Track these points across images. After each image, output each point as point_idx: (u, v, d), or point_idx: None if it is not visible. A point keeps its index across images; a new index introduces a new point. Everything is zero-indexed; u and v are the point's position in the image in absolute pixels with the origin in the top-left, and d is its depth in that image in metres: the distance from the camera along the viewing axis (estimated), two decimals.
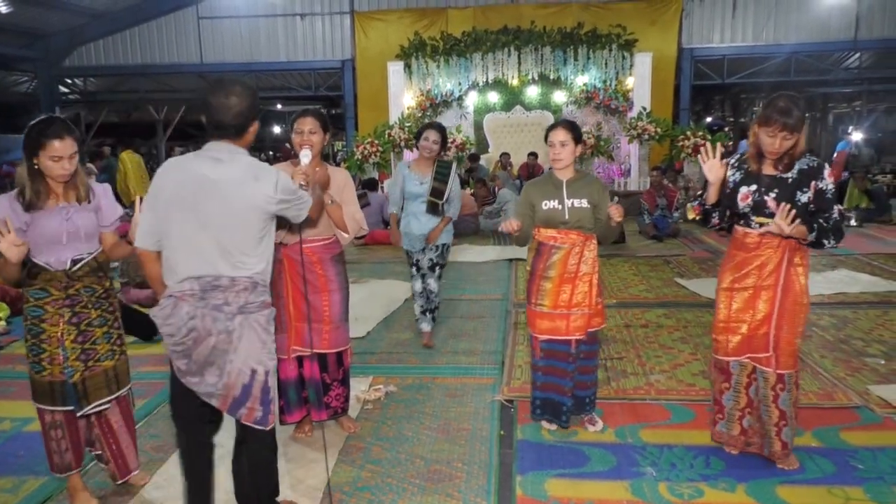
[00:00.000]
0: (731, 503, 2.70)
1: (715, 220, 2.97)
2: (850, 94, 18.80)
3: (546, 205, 3.21)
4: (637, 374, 4.11)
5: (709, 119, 21.82)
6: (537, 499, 2.76)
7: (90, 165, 12.13)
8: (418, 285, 4.73)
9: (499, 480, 2.93)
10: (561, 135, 3.20)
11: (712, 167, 2.84)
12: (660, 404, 3.65)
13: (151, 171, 13.25)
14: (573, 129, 3.24)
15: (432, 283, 4.73)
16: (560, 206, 3.19)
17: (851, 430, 3.28)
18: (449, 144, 12.34)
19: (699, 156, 2.92)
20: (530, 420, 3.46)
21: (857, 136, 17.99)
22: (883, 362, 4.18)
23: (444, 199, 4.52)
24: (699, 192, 3.08)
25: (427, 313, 4.76)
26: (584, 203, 3.20)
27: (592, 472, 2.96)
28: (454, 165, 4.64)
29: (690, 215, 3.07)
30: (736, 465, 2.98)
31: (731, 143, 16.19)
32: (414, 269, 4.74)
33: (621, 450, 3.15)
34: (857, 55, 14.64)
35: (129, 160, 12.34)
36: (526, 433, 3.35)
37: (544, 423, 3.39)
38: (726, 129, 18.56)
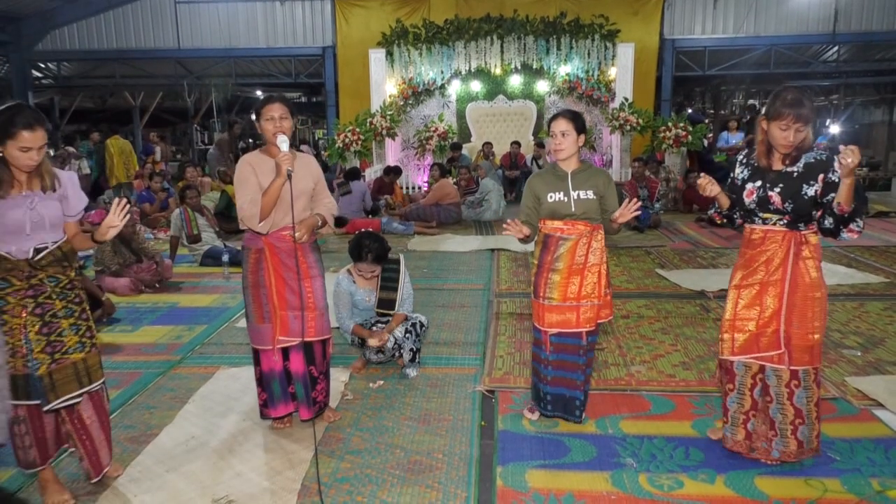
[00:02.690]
0: (711, 494, 2.71)
1: (739, 221, 2.98)
2: (828, 88, 18.99)
3: (552, 197, 3.16)
4: (618, 364, 4.11)
5: (689, 111, 21.93)
6: (518, 490, 2.75)
7: (69, 148, 11.92)
8: (392, 338, 3.90)
9: (479, 471, 2.91)
10: (562, 124, 3.16)
11: (704, 188, 2.89)
12: (640, 395, 3.65)
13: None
14: (575, 119, 3.18)
15: (420, 315, 4.12)
16: (566, 199, 3.15)
17: (829, 421, 3.30)
18: (431, 133, 12.33)
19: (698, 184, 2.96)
20: (511, 411, 3.44)
21: (834, 129, 18.20)
22: (860, 354, 4.22)
23: (395, 308, 3.99)
24: (728, 187, 3.04)
25: (417, 355, 4.00)
26: (590, 194, 3.16)
27: (573, 463, 2.95)
28: (402, 262, 4.07)
29: (718, 221, 3.11)
30: (715, 456, 2.99)
31: (710, 135, 16.29)
32: (374, 328, 4.00)
33: (602, 441, 3.15)
34: (836, 48, 14.78)
35: (113, 146, 12.15)
36: (507, 424, 3.33)
37: (526, 413, 3.38)
38: (706, 121, 18.66)
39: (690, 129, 11.64)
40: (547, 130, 3.29)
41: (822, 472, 2.84)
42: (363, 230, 4.09)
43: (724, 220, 3.06)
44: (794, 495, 2.68)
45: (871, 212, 10.18)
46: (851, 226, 2.68)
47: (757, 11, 13.90)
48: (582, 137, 3.20)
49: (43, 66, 15.99)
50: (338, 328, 4.69)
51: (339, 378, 3.84)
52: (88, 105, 20.54)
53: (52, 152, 10.86)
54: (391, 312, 4.00)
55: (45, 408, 2.59)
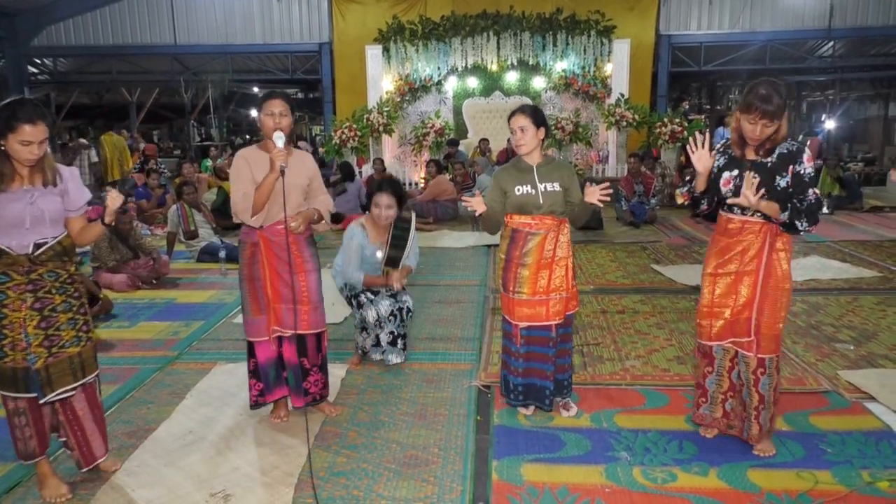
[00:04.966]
0: (704, 487, 2.73)
1: (704, 207, 3.00)
2: (824, 83, 19.02)
3: (519, 190, 3.20)
4: (613, 359, 4.14)
5: (686, 105, 21.95)
6: (513, 483, 2.78)
7: (82, 140, 11.96)
8: (375, 312, 3.93)
9: (475, 465, 2.93)
10: (520, 120, 3.19)
11: (701, 157, 2.85)
12: (635, 389, 3.68)
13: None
14: (532, 113, 3.22)
15: (409, 299, 4.10)
16: (534, 192, 3.19)
17: (821, 414, 3.34)
18: (428, 129, 12.33)
19: (688, 146, 2.92)
20: (506, 405, 3.46)
21: (830, 124, 18.25)
22: (852, 348, 4.25)
23: (400, 265, 4.05)
24: (688, 178, 3.09)
25: (398, 340, 4.04)
26: (557, 187, 3.20)
27: (568, 457, 2.98)
28: (413, 222, 4.10)
29: (679, 200, 3.09)
30: (708, 449, 3.02)
31: (706, 129, 16.31)
32: (364, 296, 4.00)
33: (596, 434, 3.17)
34: (831, 44, 14.80)
35: (107, 142, 12.16)
36: (502, 418, 3.36)
37: (520, 409, 3.40)
38: (703, 116, 18.71)
39: (686, 124, 11.66)
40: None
41: (814, 464, 2.87)
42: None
43: (689, 203, 3.04)
44: (785, 487, 2.71)
45: (866, 206, 10.23)
46: (798, 228, 2.73)
47: (752, 7, 13.90)
48: (542, 131, 3.22)
49: (39, 61, 15.94)
50: (336, 324, 4.72)
51: (335, 374, 3.86)
52: (85, 101, 20.51)
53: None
54: (395, 269, 4.01)
55: (42, 401, 2.63)
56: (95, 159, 11.71)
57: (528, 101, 12.64)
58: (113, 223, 2.79)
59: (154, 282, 6.21)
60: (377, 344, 4.06)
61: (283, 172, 2.99)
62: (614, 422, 3.30)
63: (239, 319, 5.05)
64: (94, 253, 6.17)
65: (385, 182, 3.98)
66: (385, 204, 3.90)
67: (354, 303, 4.04)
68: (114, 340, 4.63)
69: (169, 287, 6.17)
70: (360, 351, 4.13)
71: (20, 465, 2.92)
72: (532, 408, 3.40)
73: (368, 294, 4.02)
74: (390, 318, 3.98)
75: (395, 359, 4.02)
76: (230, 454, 3.06)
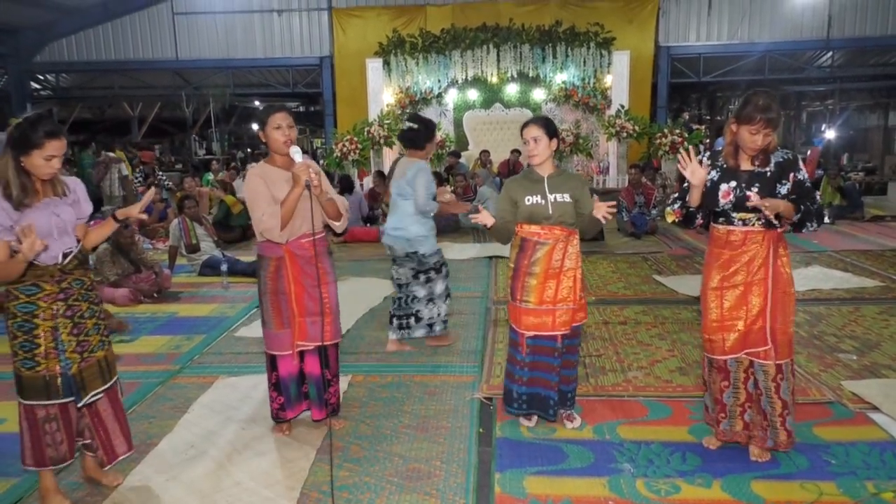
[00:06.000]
0: (707, 499, 2.72)
1: (699, 221, 3.02)
2: (823, 93, 19.09)
3: (529, 200, 3.22)
4: (615, 370, 4.13)
5: (686, 116, 22.02)
6: (516, 496, 2.77)
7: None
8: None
9: (477, 478, 2.92)
10: (533, 130, 3.23)
11: (695, 171, 2.87)
12: (637, 401, 3.67)
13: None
14: (546, 124, 3.26)
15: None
16: (543, 202, 3.21)
17: (824, 425, 3.33)
18: None
19: (678, 163, 2.94)
20: (509, 417, 3.46)
21: (830, 134, 18.30)
22: (855, 358, 4.24)
23: None
24: (674, 196, 3.10)
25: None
26: (567, 198, 3.21)
27: (571, 469, 2.97)
28: None
29: (670, 219, 3.09)
30: (712, 460, 3.01)
31: (707, 139, 16.36)
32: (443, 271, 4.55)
33: (599, 446, 3.16)
34: (830, 54, 14.87)
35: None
36: (505, 431, 3.35)
37: (523, 421, 3.40)
38: (704, 127, 18.75)
39: (687, 135, 11.70)
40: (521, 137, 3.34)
41: (818, 476, 2.85)
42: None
43: (682, 219, 3.05)
44: (789, 498, 2.69)
45: (867, 216, 10.24)
46: (806, 229, 2.88)
47: (751, 18, 13.99)
48: (554, 142, 3.26)
49: (42, 77, 16.07)
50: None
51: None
52: (87, 116, 20.62)
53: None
54: None
55: (80, 404, 2.71)
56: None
57: (528, 112, 12.74)
58: (122, 221, 2.89)
59: (156, 295, 6.21)
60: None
61: (309, 187, 3.01)
62: (617, 433, 3.29)
63: (241, 333, 5.07)
64: (96, 267, 6.18)
65: (430, 122, 4.50)
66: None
67: (433, 275, 4.43)
68: (115, 354, 4.61)
69: (171, 301, 6.18)
70: (427, 323, 4.53)
71: (22, 482, 2.93)
72: (534, 418, 3.39)
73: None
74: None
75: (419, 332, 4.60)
76: (232, 468, 3.05)
